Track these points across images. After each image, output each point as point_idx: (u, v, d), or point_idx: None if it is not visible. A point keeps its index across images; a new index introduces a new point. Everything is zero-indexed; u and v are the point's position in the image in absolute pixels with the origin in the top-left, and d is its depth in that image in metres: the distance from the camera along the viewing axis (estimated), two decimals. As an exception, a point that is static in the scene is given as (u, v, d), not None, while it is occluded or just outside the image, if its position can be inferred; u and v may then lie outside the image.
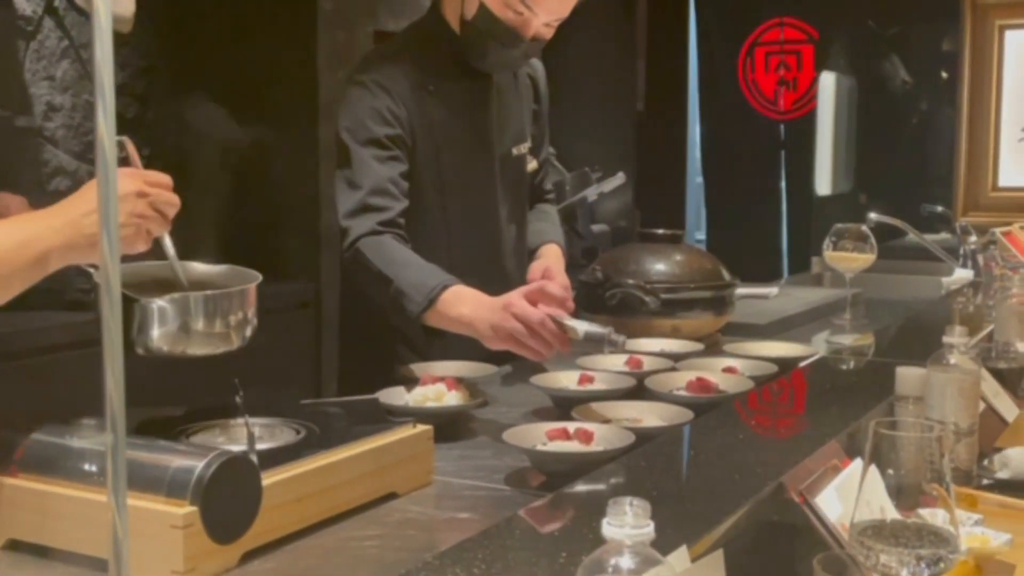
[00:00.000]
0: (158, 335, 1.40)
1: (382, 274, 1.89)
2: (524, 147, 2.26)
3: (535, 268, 2.01)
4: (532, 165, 2.31)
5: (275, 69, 3.74)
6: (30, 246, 1.26)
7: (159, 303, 1.40)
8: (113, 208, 0.79)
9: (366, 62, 2.15)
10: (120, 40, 2.79)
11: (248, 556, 1.16)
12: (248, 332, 1.46)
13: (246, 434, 1.25)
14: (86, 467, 1.17)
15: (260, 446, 1.26)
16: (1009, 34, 3.63)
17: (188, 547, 1.08)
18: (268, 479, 1.18)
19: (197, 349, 1.43)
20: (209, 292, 1.45)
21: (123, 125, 3.46)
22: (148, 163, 4.09)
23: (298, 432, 1.35)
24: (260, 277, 1.52)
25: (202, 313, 1.42)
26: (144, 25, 3.15)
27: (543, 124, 2.36)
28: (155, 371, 1.55)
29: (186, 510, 1.08)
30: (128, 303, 1.38)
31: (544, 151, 2.38)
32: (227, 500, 1.12)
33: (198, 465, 1.11)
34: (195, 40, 3.73)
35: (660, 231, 2.46)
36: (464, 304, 1.82)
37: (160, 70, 3.71)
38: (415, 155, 2.05)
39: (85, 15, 3.17)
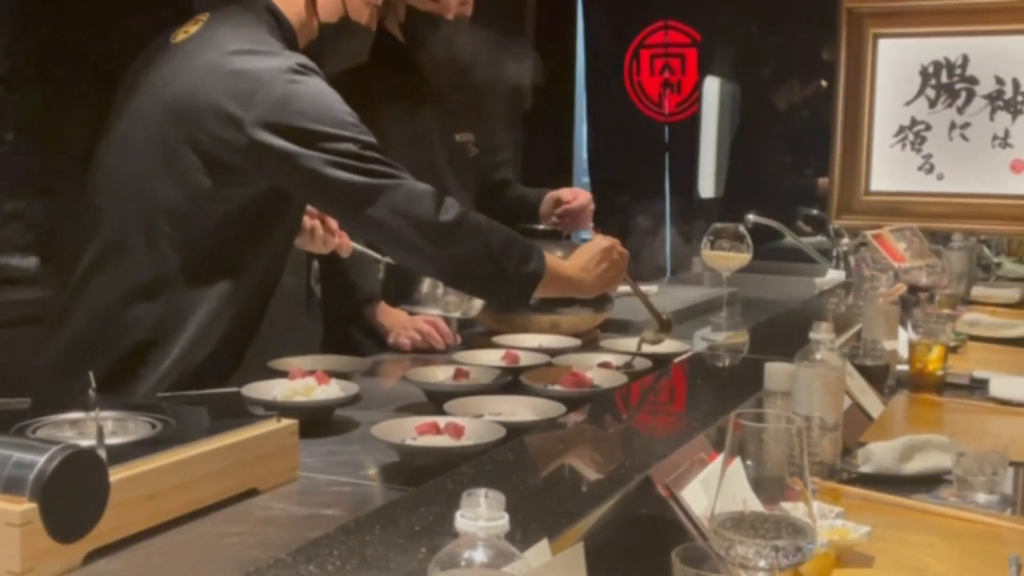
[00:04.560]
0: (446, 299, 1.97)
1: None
2: (466, 135, 2.56)
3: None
4: (474, 152, 2.61)
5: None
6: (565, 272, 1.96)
7: None
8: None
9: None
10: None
11: (94, 555, 1.10)
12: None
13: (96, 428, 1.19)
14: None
15: (111, 440, 1.20)
16: (883, 43, 3.73)
17: (26, 546, 1.02)
18: (117, 475, 1.12)
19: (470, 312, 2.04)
20: None
21: (-14, 109, 3.31)
22: (12, 149, 3.90)
23: (153, 426, 1.30)
24: None
25: None
26: (7, 4, 3.01)
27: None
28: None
29: (24, 507, 1.02)
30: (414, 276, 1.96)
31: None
32: (71, 497, 1.06)
33: (39, 460, 1.05)
34: (62, 19, 3.57)
35: (540, 227, 2.45)
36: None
37: (25, 51, 3.55)
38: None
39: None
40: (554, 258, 1.90)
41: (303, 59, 1.74)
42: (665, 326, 2.15)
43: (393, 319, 2.30)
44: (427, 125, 2.48)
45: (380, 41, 2.41)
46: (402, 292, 1.97)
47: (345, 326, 2.40)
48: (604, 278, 1.99)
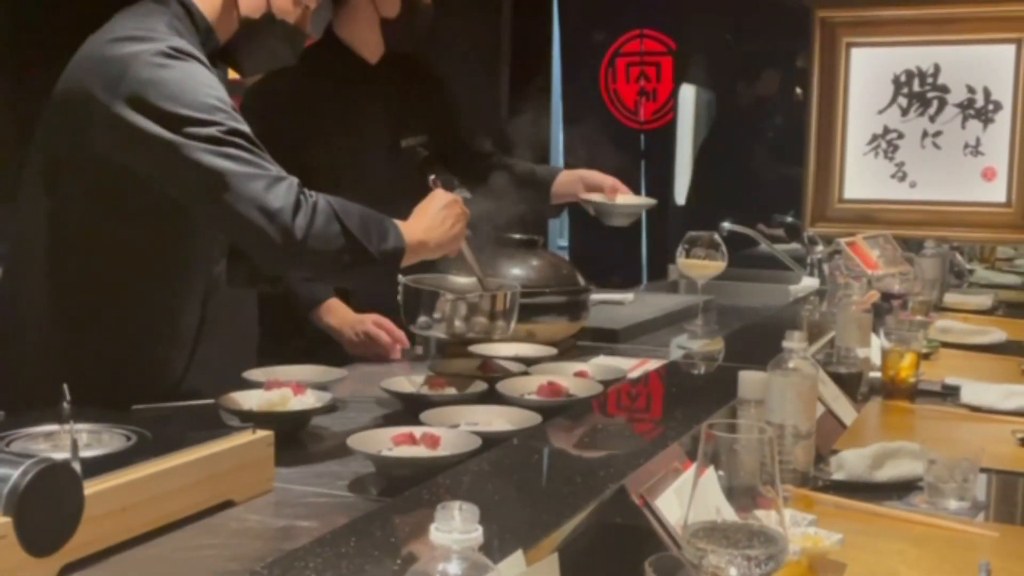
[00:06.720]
0: (465, 323, 1.86)
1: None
2: (415, 139, 2.49)
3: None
4: (423, 154, 2.55)
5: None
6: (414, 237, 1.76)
7: (471, 297, 1.86)
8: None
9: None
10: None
11: (68, 568, 1.10)
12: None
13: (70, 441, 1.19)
14: None
15: (85, 453, 1.20)
16: (855, 52, 3.76)
17: (0, 560, 1.01)
18: (91, 488, 1.12)
19: (492, 335, 1.92)
20: (510, 290, 1.95)
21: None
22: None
23: (128, 438, 1.30)
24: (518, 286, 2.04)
25: (507, 305, 1.91)
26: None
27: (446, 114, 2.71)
28: None
29: (-2, 521, 1.02)
30: (434, 297, 1.85)
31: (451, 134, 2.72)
32: (45, 510, 1.06)
33: (13, 473, 1.04)
34: (29, 23, 3.53)
35: (516, 236, 2.46)
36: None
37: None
38: (308, 151, 2.27)
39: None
40: (404, 225, 1.78)
41: (180, 43, 1.66)
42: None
43: (340, 318, 2.27)
44: (368, 132, 2.42)
45: (326, 48, 2.45)
46: (415, 313, 1.88)
47: (285, 339, 2.34)
48: (448, 236, 1.84)
